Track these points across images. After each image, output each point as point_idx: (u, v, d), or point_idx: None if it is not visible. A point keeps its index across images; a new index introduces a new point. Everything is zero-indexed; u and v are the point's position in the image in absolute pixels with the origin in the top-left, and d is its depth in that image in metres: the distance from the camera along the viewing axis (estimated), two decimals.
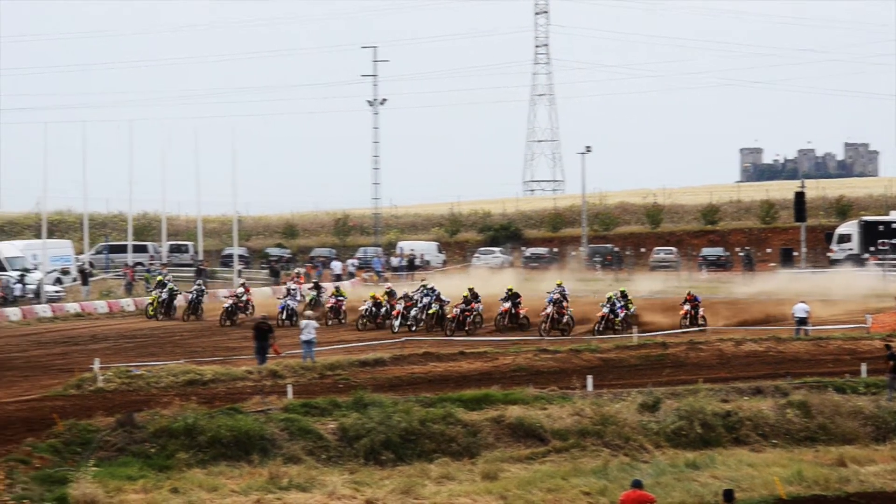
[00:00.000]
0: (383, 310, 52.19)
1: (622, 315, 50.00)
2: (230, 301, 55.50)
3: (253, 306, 55.96)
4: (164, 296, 57.72)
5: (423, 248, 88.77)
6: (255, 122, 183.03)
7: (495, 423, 32.66)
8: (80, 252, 75.91)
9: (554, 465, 30.44)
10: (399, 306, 51.12)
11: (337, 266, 79.82)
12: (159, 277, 60.46)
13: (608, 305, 49.78)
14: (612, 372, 39.86)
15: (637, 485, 23.35)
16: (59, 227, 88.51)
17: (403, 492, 27.37)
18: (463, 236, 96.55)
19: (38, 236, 74.44)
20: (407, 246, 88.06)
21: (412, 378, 38.96)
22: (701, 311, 50.73)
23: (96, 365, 38.38)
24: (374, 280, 78.78)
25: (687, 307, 50.73)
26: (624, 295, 51.71)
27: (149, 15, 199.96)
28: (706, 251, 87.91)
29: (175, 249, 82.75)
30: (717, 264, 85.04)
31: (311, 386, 37.02)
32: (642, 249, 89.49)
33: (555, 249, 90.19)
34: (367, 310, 52.10)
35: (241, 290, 57.00)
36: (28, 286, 63.20)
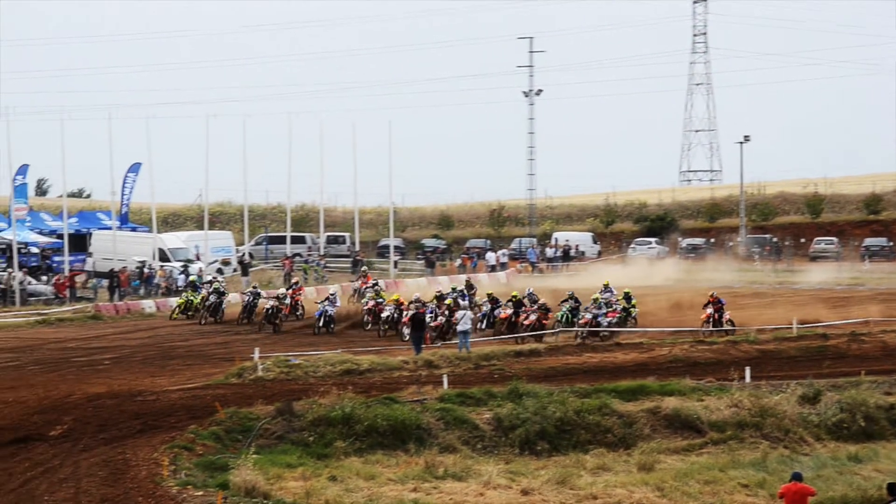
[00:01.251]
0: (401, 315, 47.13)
1: (609, 321, 45.63)
2: (271, 302, 49.99)
3: (303, 307, 51.92)
4: (212, 298, 52.71)
5: (578, 238, 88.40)
6: (411, 114, 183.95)
7: (651, 414, 32.45)
8: (240, 243, 77.24)
9: (711, 457, 30.13)
10: (410, 313, 45.47)
11: (491, 257, 79.93)
12: (193, 278, 57.54)
13: (592, 311, 45.86)
14: (770, 363, 39.26)
15: (797, 477, 23.00)
16: (220, 219, 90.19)
17: (559, 482, 27.32)
18: (618, 227, 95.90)
19: (200, 227, 75.97)
20: (562, 237, 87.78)
21: (567, 368, 38.87)
22: (727, 315, 45.97)
23: (256, 354, 39.01)
24: (528, 271, 78.75)
25: (710, 311, 45.92)
26: (627, 297, 48.45)
27: (305, 9, 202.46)
28: (869, 241, 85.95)
29: (332, 240, 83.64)
30: (881, 255, 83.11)
31: (466, 376, 37.15)
32: (802, 240, 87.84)
33: (712, 240, 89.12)
34: (389, 316, 47.68)
35: (282, 291, 52.28)
36: (191, 276, 64.56)
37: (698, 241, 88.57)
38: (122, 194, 71.27)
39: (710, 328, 45.25)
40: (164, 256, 67.18)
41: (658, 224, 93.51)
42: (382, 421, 30.52)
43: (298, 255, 76.64)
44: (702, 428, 32.02)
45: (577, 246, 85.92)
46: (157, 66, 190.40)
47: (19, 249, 62.27)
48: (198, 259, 67.75)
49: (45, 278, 62.67)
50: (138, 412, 32.38)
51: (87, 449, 29.00)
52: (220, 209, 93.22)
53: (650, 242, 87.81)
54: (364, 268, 64.54)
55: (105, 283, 62.69)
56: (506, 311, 47.20)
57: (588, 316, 45.60)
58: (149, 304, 57.68)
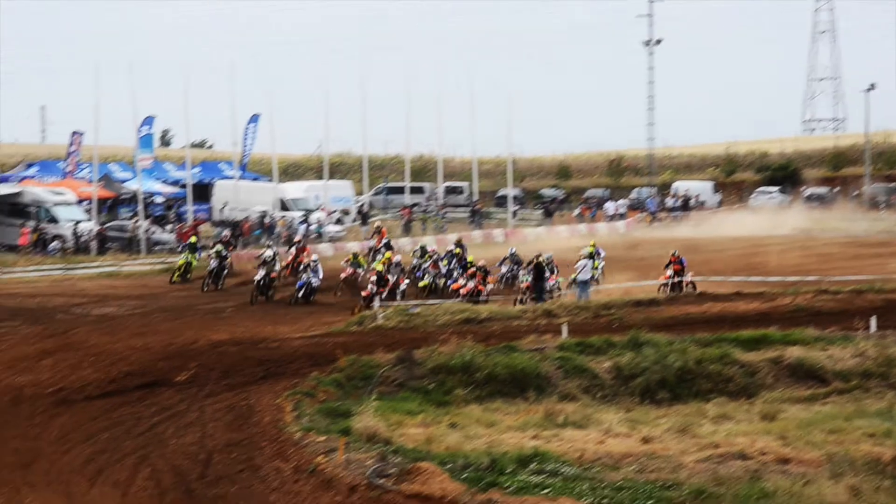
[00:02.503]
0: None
1: (550, 285, 42.76)
2: (261, 272, 44.57)
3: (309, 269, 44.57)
4: (213, 263, 47.46)
5: (699, 188, 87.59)
6: (530, 63, 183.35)
7: (773, 363, 32.06)
8: (359, 193, 77.76)
9: (835, 407, 29.66)
10: (391, 278, 43.57)
11: (610, 207, 79.62)
12: (193, 239, 53.10)
13: (530, 273, 42.38)
14: None
15: None
16: (339, 169, 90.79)
17: (680, 431, 27.12)
18: (739, 176, 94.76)
19: (320, 178, 76.56)
20: (682, 186, 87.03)
21: (687, 318, 38.50)
22: (689, 276, 43.39)
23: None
24: (648, 221, 78.21)
25: (669, 272, 43.22)
26: (591, 255, 44.52)
27: None
28: None
29: (450, 191, 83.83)
30: None
31: (585, 325, 37.03)
32: None
33: (836, 189, 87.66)
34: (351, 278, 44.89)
35: (269, 253, 45.88)
36: (311, 226, 65.20)
37: (822, 190, 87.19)
38: (244, 145, 72.03)
39: (669, 290, 42.68)
40: (284, 206, 67.82)
41: (780, 173, 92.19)
42: (502, 369, 30.55)
43: (417, 205, 76.98)
44: (826, 377, 31.58)
45: (697, 196, 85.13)
46: (277, 17, 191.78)
47: (144, 199, 63.33)
48: (323, 210, 68.29)
49: (169, 227, 63.69)
50: (261, 359, 32.83)
51: (211, 394, 29.49)
52: (340, 159, 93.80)
53: (772, 192, 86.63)
54: (377, 223, 58.29)
55: (227, 232, 63.54)
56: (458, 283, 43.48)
57: (529, 279, 42.48)
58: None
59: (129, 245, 59.85)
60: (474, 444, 25.97)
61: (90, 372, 31.51)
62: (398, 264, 43.99)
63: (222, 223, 66.42)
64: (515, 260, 45.89)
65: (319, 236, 64.33)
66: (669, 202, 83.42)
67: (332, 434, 26.01)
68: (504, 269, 46.56)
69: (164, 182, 71.44)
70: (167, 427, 26.84)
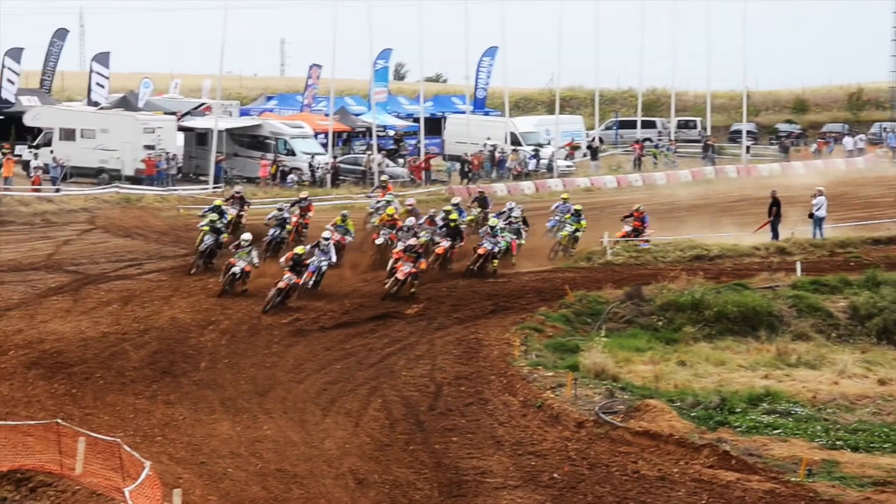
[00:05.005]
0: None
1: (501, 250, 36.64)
2: (272, 231, 38.26)
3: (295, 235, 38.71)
4: (209, 241, 37.03)
5: None
6: None
7: None
8: (590, 128, 77.27)
9: None
10: (401, 244, 35.55)
11: (849, 142, 77.40)
12: (218, 202, 39.85)
13: (488, 239, 36.49)
14: None
15: None
16: (570, 103, 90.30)
17: None
18: None
19: (550, 112, 76.32)
20: None
21: None
22: (647, 233, 39.34)
23: (605, 238, 39.08)
24: (890, 157, 75.78)
25: (627, 229, 39.31)
26: (577, 214, 39.48)
27: None
28: None
29: (683, 125, 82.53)
30: None
31: (819, 263, 36.27)
32: None
33: None
34: (383, 243, 38.11)
35: (247, 235, 35.20)
36: (541, 161, 65.17)
37: None
38: (477, 78, 72.18)
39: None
40: (515, 140, 67.89)
41: None
42: (732, 307, 30.20)
43: (648, 139, 76.15)
44: None
45: None
46: None
47: (377, 133, 64.20)
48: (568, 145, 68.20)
49: (401, 161, 64.45)
50: (489, 293, 33.13)
51: (441, 328, 29.93)
52: (571, 93, 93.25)
53: None
54: (384, 176, 50.29)
55: (458, 166, 63.98)
56: (442, 246, 36.89)
57: (487, 246, 36.31)
58: (500, 188, 58.47)
59: (363, 178, 60.78)
60: (703, 382, 25.81)
61: (324, 303, 32.28)
62: (409, 228, 36.85)
63: (449, 157, 66.88)
64: (510, 217, 39.05)
65: (549, 171, 64.27)
66: None
67: (560, 369, 26.15)
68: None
69: (398, 116, 72.26)
70: (398, 359, 27.37)
